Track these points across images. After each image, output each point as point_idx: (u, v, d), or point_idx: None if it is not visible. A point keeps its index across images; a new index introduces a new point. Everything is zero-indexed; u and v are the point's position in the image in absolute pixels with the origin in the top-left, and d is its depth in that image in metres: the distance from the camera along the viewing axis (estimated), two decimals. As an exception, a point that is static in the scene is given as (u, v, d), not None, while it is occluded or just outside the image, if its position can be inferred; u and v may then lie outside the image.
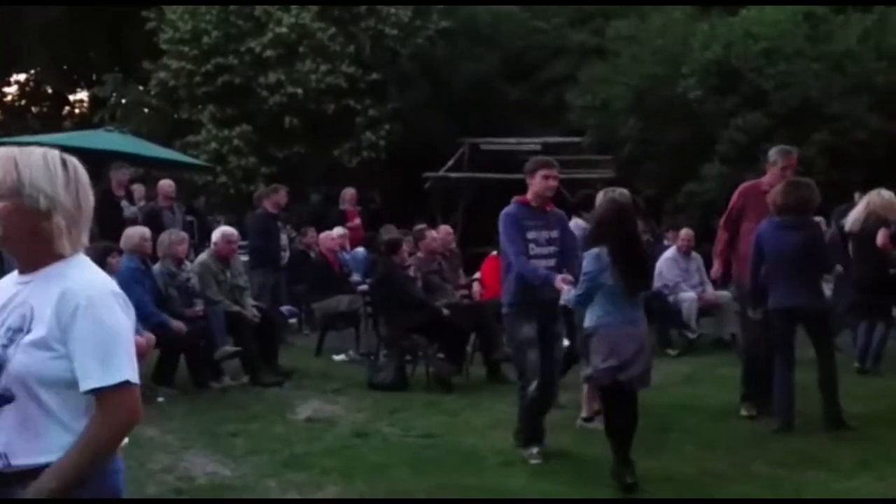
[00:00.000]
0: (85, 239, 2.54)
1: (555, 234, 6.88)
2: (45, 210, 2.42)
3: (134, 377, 2.44)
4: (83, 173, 2.54)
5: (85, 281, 2.46)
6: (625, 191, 7.68)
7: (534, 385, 6.58)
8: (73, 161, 2.53)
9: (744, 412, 7.74)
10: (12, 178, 2.43)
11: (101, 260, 8.22)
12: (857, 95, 16.09)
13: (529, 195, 6.95)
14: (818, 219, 8.40)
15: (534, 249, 6.69)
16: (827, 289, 8.68)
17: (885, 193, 9.36)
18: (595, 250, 6.02)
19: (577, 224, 8.34)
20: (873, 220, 9.17)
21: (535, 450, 6.64)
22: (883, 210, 9.17)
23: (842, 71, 16.33)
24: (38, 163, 2.46)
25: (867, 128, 15.78)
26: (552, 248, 6.79)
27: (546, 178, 6.89)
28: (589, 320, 6.14)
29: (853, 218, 9.46)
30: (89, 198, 2.54)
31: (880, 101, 16.15)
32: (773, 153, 8.05)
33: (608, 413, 6.34)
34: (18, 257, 2.53)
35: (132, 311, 2.51)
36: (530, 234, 6.73)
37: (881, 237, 9.04)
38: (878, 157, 15.65)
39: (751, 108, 16.32)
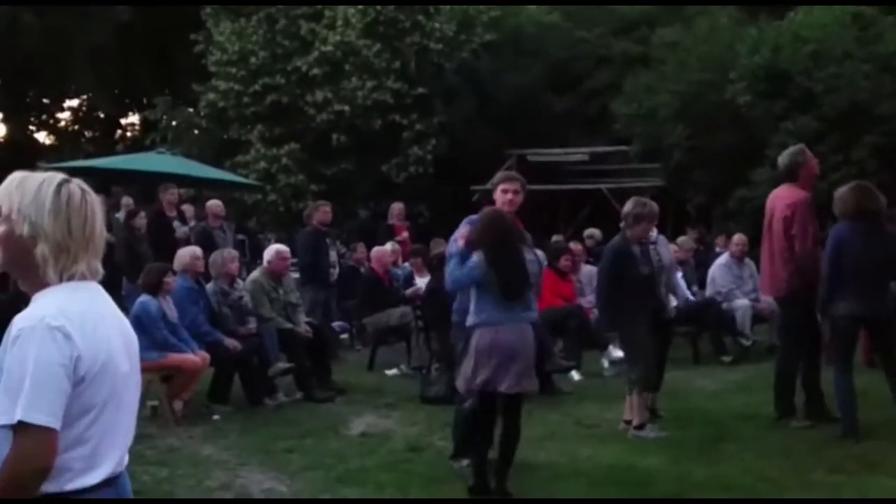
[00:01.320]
0: (83, 267, 2.43)
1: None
2: (29, 237, 2.37)
3: (35, 418, 2.23)
4: (81, 200, 2.44)
5: (28, 312, 2.35)
6: (651, 202, 7.70)
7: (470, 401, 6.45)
8: (71, 187, 2.44)
9: (796, 424, 7.58)
10: (7, 204, 2.40)
11: (158, 281, 8.38)
12: (909, 96, 15.85)
13: None
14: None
15: None
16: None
17: None
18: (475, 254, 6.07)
19: None
20: None
21: (465, 462, 6.54)
22: None
23: (892, 72, 16.10)
24: (31, 189, 2.41)
25: (920, 129, 15.53)
26: None
27: (504, 192, 6.67)
28: (471, 320, 6.12)
29: None
30: (88, 225, 2.45)
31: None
32: (792, 156, 7.69)
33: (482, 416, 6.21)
34: (20, 284, 2.49)
35: (72, 345, 2.31)
36: None
37: None
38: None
39: (800, 112, 16.15)
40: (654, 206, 7.67)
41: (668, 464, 6.65)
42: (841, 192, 7.32)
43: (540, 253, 7.12)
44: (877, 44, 16.55)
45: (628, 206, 7.60)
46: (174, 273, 8.77)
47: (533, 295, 6.23)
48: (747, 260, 11.90)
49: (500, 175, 7.10)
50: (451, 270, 6.22)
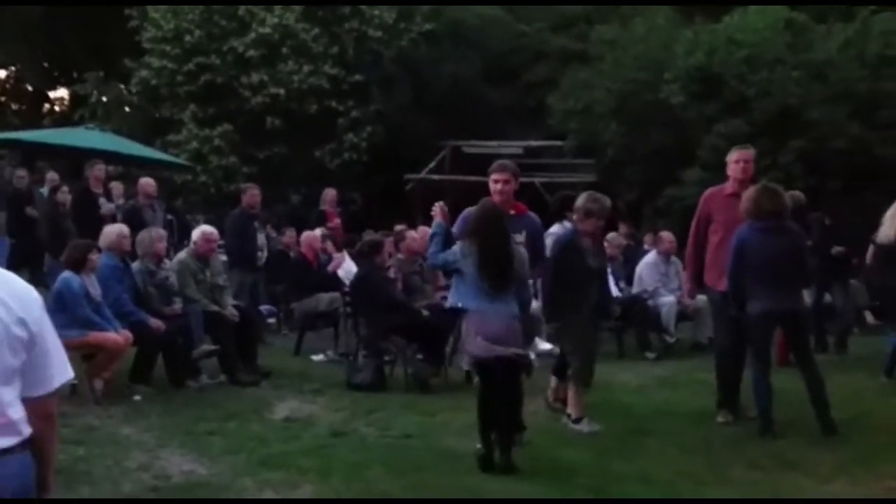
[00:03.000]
0: None
1: (517, 238, 6.90)
2: None
3: None
4: None
5: None
6: (605, 197, 7.72)
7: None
8: None
9: (720, 419, 7.72)
10: None
11: (81, 258, 8.20)
12: (837, 104, 16.16)
13: None
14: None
15: None
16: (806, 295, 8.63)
17: None
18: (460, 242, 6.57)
19: (564, 226, 8.32)
20: None
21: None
22: None
23: (822, 79, 16.42)
24: None
25: (846, 136, 15.84)
26: None
27: (495, 182, 7.07)
28: (461, 303, 6.55)
29: (884, 230, 9.22)
30: None
31: (860, 109, 16.21)
32: (729, 153, 8.11)
33: (481, 389, 6.53)
34: None
35: None
36: None
37: None
38: (859, 165, 15.73)
39: (732, 115, 16.40)
40: (607, 201, 7.69)
41: (590, 457, 6.69)
42: (746, 193, 7.49)
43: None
44: (808, 51, 16.87)
45: (580, 201, 7.60)
46: (99, 250, 8.62)
47: (519, 287, 6.54)
48: (673, 258, 12.07)
49: (492, 165, 7.28)
50: (434, 251, 6.74)
